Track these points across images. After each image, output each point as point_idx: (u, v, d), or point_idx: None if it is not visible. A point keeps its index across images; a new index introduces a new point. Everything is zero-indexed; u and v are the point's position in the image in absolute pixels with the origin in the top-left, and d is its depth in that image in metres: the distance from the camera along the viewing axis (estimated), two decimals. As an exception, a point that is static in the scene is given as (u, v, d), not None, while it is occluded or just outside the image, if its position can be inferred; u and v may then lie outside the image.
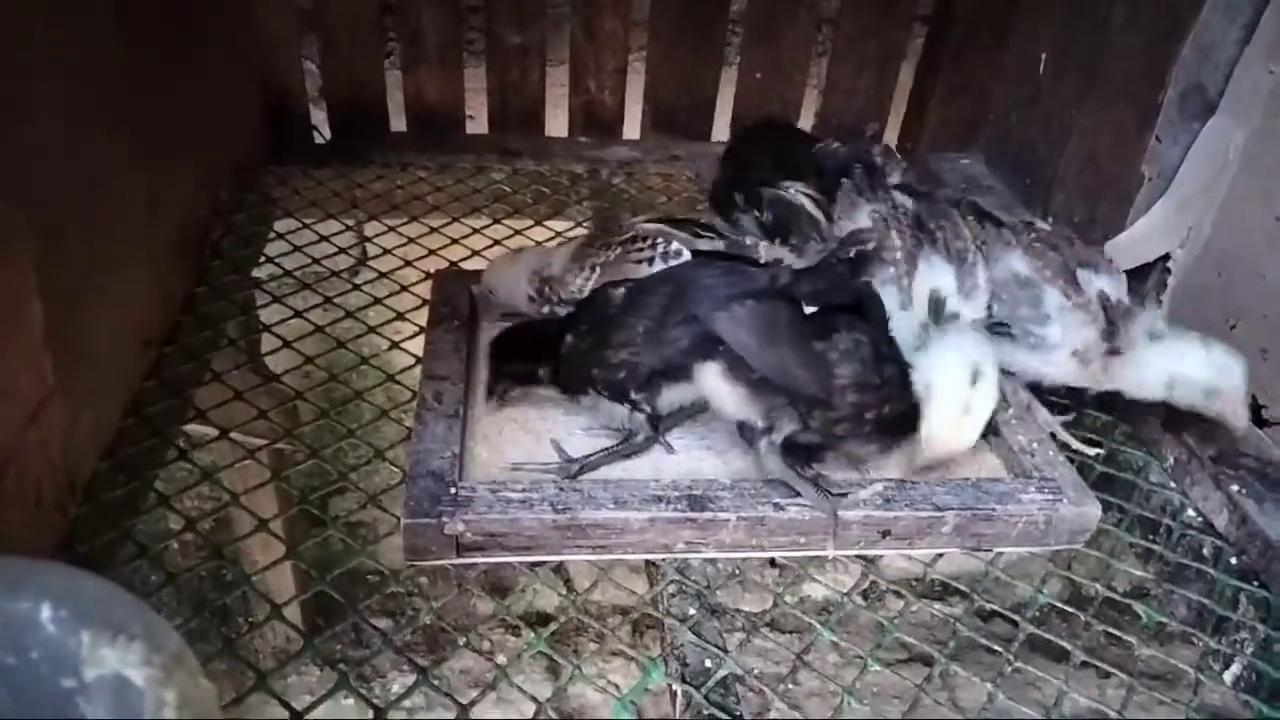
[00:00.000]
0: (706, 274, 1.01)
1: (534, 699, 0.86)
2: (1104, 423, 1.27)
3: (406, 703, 0.89)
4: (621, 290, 1.04)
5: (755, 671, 0.95)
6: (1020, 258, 1.16)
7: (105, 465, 1.04)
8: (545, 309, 1.20)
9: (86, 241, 1.02)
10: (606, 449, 1.06)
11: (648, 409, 1.04)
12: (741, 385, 0.97)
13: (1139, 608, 1.02)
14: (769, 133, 1.62)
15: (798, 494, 1.00)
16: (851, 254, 1.07)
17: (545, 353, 1.09)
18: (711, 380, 0.98)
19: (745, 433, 1.02)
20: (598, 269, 1.16)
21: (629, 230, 1.20)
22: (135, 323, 1.17)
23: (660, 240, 1.15)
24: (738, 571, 1.04)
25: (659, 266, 1.12)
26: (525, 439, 1.10)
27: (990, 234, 1.20)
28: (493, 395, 1.11)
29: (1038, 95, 1.73)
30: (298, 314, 1.34)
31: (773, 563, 1.13)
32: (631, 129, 1.99)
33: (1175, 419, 1.18)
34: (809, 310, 0.98)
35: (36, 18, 0.92)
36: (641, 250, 1.14)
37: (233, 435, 1.12)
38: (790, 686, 0.93)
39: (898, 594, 1.09)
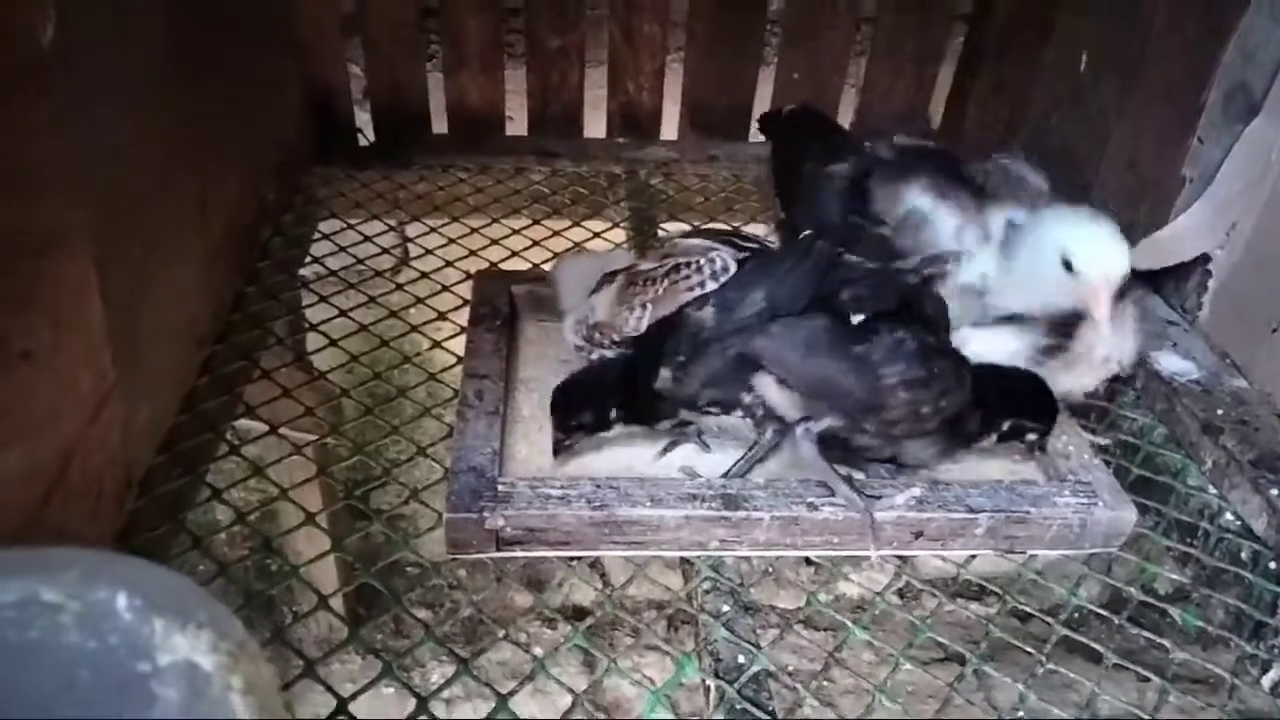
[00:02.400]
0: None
1: (571, 690, 0.88)
2: (1141, 425, 1.26)
3: (446, 693, 0.91)
4: (708, 310, 1.03)
5: (789, 668, 0.97)
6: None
7: (160, 459, 1.08)
8: (594, 355, 1.16)
9: (143, 242, 1.05)
10: (745, 456, 1.06)
11: (760, 410, 1.03)
12: (794, 392, 0.98)
13: (1175, 611, 1.02)
14: (807, 119, 1.57)
15: (831, 491, 1.01)
16: (923, 274, 1.07)
17: (613, 395, 1.07)
18: (767, 389, 1.00)
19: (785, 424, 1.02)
20: (648, 306, 1.11)
21: (667, 251, 1.15)
22: (189, 321, 1.21)
23: (704, 261, 1.09)
24: (771, 569, 1.05)
25: (711, 288, 1.07)
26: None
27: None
28: (561, 452, 1.07)
29: (1078, 96, 1.72)
30: (342, 313, 1.38)
31: (808, 561, 1.14)
32: (669, 130, 2.01)
33: (1213, 425, 1.17)
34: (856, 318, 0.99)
35: (100, 20, 0.96)
36: (689, 277, 1.09)
37: (281, 431, 1.15)
38: (823, 684, 0.94)
39: (932, 594, 1.10)
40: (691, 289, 1.08)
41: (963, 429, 1.05)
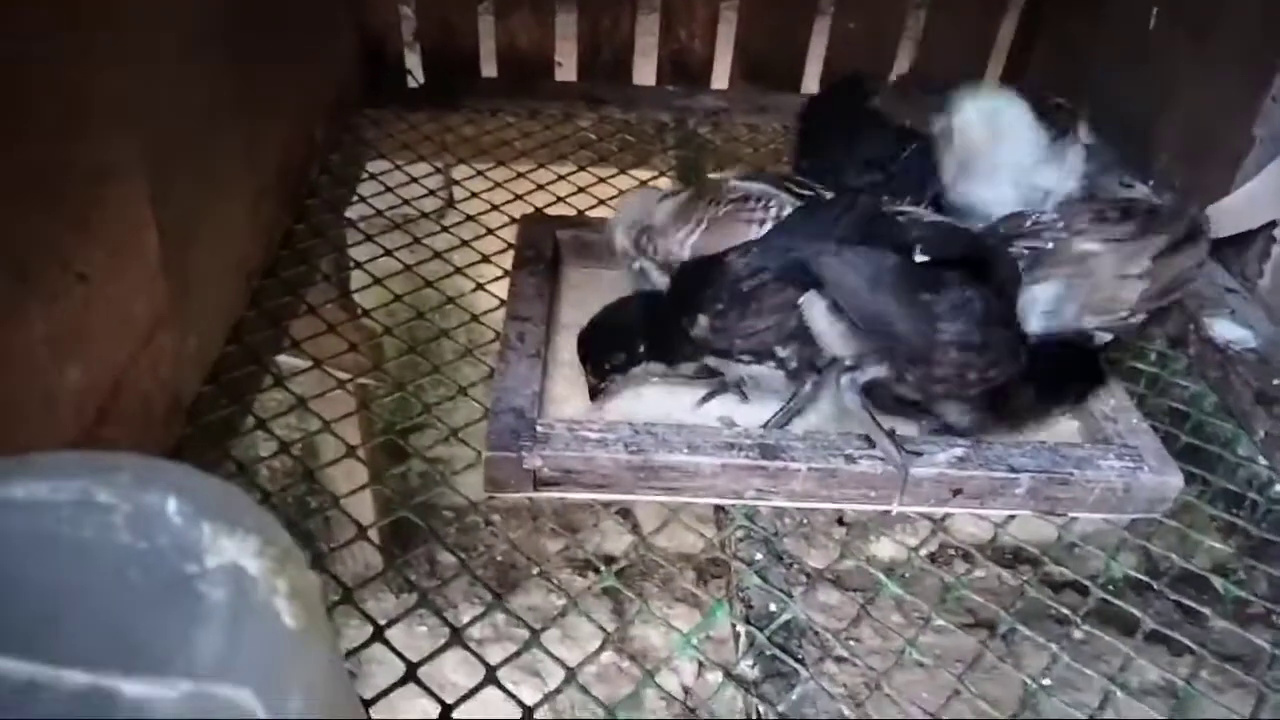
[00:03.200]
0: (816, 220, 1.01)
1: (602, 629, 0.89)
2: (1193, 393, 1.23)
3: (476, 631, 0.93)
4: (746, 259, 1.02)
5: (818, 622, 0.97)
6: None
7: (208, 389, 1.10)
8: (637, 265, 1.18)
9: (195, 176, 1.06)
10: (784, 408, 1.06)
11: (794, 363, 1.02)
12: (844, 323, 0.96)
13: (1217, 582, 1.00)
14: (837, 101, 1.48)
15: (872, 443, 1.01)
16: (1002, 234, 1.04)
17: (639, 334, 1.07)
18: (816, 314, 0.97)
19: (830, 369, 1.01)
20: (704, 223, 1.12)
21: (738, 190, 1.15)
22: (239, 256, 1.23)
23: (772, 201, 1.10)
24: (805, 522, 1.05)
25: (769, 228, 1.08)
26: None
27: None
28: (597, 395, 1.08)
29: (1145, 53, 1.66)
30: (388, 253, 1.39)
31: (840, 520, 1.14)
32: (720, 79, 1.98)
33: (1268, 394, 1.14)
34: (922, 259, 0.97)
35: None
36: (754, 211, 1.10)
37: (324, 366, 1.17)
38: (851, 640, 0.95)
39: (966, 556, 1.09)
40: (751, 222, 1.09)
41: (1007, 403, 1.03)
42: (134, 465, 0.39)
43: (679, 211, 1.16)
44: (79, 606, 0.37)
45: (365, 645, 0.86)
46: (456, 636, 0.87)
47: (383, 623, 0.88)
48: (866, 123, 1.29)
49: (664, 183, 1.68)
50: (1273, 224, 1.30)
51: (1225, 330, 1.26)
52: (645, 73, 1.96)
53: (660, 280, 1.16)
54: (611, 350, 1.07)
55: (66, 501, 0.37)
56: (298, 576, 0.37)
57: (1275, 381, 1.17)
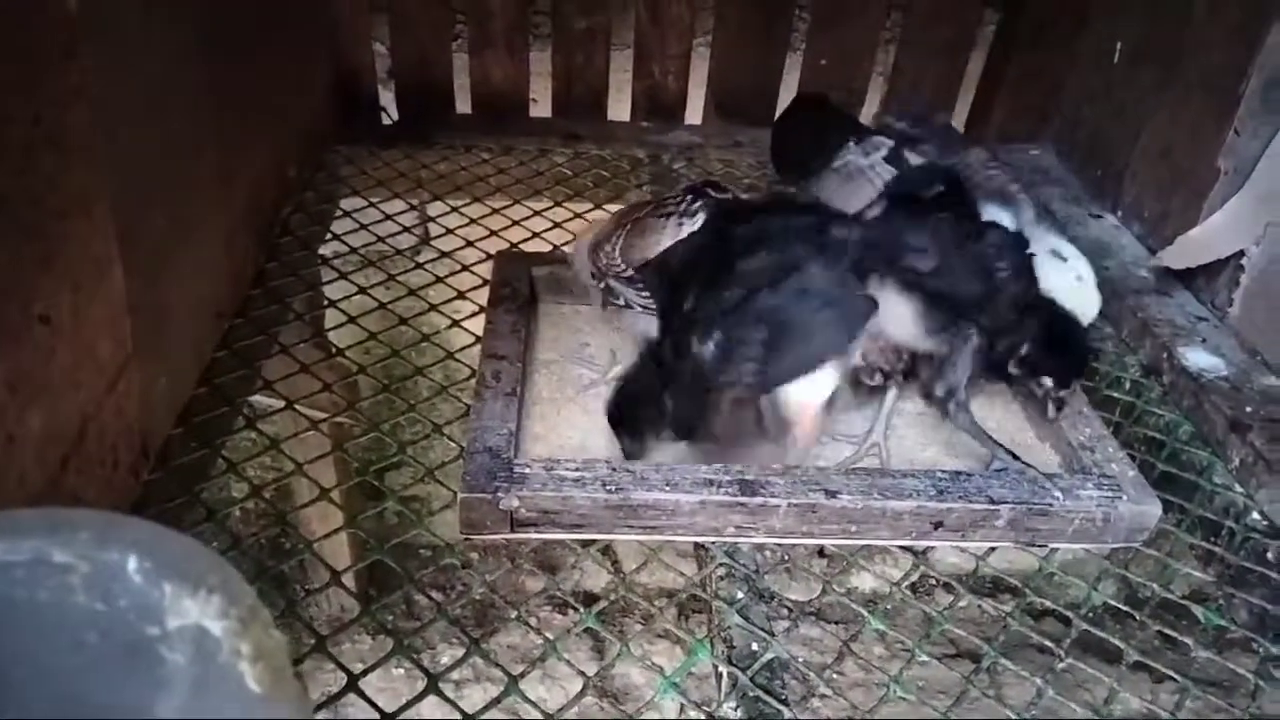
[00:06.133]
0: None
1: (581, 673, 0.88)
2: (1168, 421, 1.24)
3: (455, 674, 0.91)
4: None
5: (800, 659, 0.96)
6: None
7: (178, 431, 1.08)
8: (602, 285, 1.19)
9: (165, 213, 1.05)
10: (879, 415, 1.12)
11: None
12: (918, 299, 0.99)
13: (1198, 611, 1.00)
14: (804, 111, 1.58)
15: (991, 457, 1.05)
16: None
17: (662, 401, 1.07)
18: (889, 304, 0.99)
19: (935, 403, 1.06)
20: (627, 225, 1.15)
21: (662, 195, 1.19)
22: (209, 295, 1.21)
23: (684, 200, 1.13)
24: (787, 557, 1.04)
25: (686, 224, 1.10)
26: (583, 419, 1.12)
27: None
28: (632, 457, 1.08)
29: (1112, 85, 1.69)
30: (362, 290, 1.38)
31: (821, 552, 1.13)
32: (694, 114, 1.99)
33: (1241, 422, 1.15)
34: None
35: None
36: (669, 209, 1.12)
37: (297, 407, 1.15)
38: (835, 675, 0.93)
39: (948, 588, 1.08)
40: (667, 218, 1.12)
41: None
42: (93, 522, 0.37)
43: (614, 220, 1.20)
44: (34, 671, 0.35)
45: (340, 695, 0.84)
46: (433, 683, 0.85)
47: (357, 670, 0.85)
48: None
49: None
50: (1241, 254, 1.32)
51: (1198, 359, 1.27)
52: (620, 109, 1.97)
53: (632, 296, 1.16)
54: (640, 420, 1.07)
55: (21, 562, 0.36)
56: (263, 638, 0.36)
57: (1248, 409, 1.18)
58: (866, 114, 1.93)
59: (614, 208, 1.69)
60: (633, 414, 1.07)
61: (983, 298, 0.99)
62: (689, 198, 1.12)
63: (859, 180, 1.16)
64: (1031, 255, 1.03)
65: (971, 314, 1.00)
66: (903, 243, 0.96)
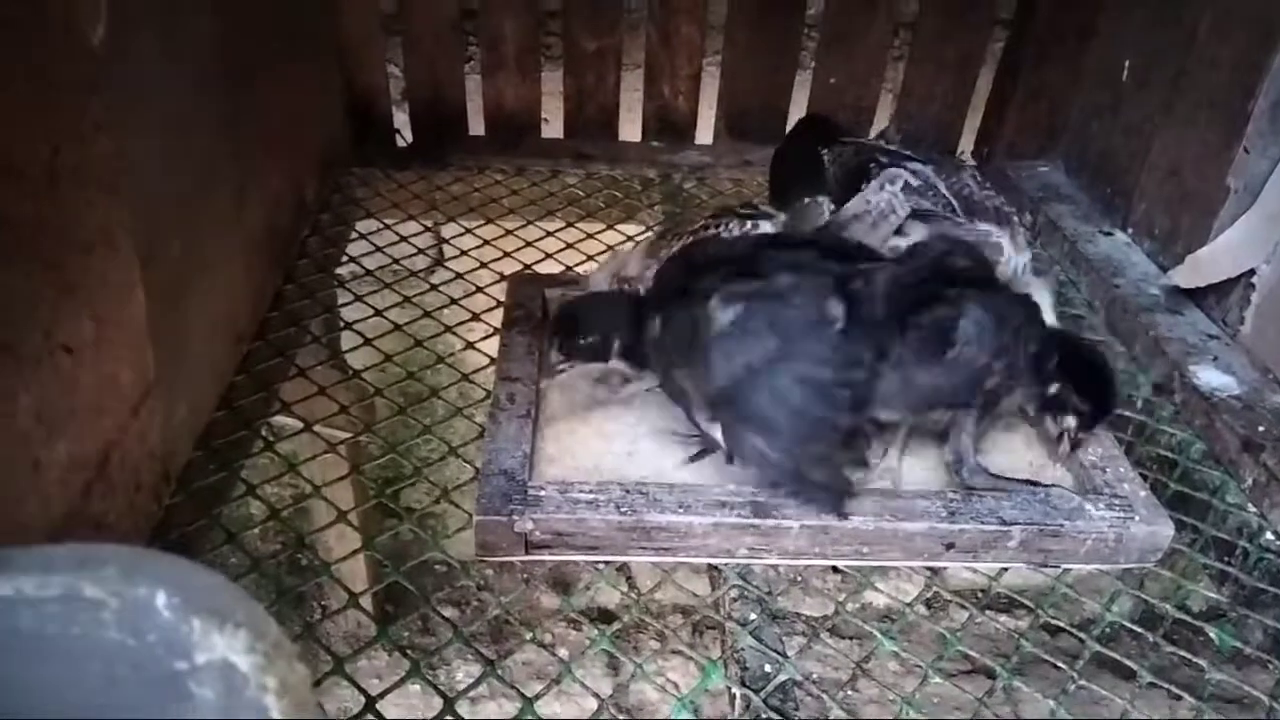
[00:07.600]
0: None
1: (596, 694, 0.88)
2: (1180, 440, 1.24)
3: (472, 693, 0.92)
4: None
5: (814, 677, 0.96)
6: None
7: (197, 455, 1.10)
8: None
9: (184, 239, 1.07)
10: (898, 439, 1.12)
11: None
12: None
13: (1212, 630, 1.00)
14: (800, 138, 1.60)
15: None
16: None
17: (620, 329, 1.08)
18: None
19: (946, 468, 1.09)
20: (663, 258, 1.16)
21: (700, 222, 1.21)
22: (228, 318, 1.23)
23: (731, 223, 1.16)
24: (800, 577, 1.05)
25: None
26: (596, 442, 1.13)
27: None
28: (552, 374, 1.11)
29: (1120, 103, 1.69)
30: (378, 312, 1.39)
31: (835, 569, 1.14)
32: (704, 134, 2.01)
33: (1254, 441, 1.15)
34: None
35: (150, 21, 0.98)
36: (710, 231, 1.15)
37: (315, 428, 1.17)
38: (849, 694, 0.94)
39: (961, 605, 1.08)
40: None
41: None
42: (121, 557, 0.38)
43: (649, 251, 1.21)
44: (67, 706, 0.36)
45: (359, 716, 0.85)
46: (450, 705, 0.86)
47: (375, 691, 0.86)
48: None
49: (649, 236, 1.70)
50: (1252, 272, 1.32)
51: (1210, 377, 1.27)
52: (631, 129, 1.99)
53: None
54: (585, 333, 1.08)
55: (54, 597, 0.37)
56: (287, 672, 0.37)
57: (1261, 428, 1.18)
58: (875, 132, 1.95)
59: (625, 228, 1.71)
60: (579, 324, 1.08)
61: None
62: (729, 228, 1.16)
63: (878, 215, 1.19)
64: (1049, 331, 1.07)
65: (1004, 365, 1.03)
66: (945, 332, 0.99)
